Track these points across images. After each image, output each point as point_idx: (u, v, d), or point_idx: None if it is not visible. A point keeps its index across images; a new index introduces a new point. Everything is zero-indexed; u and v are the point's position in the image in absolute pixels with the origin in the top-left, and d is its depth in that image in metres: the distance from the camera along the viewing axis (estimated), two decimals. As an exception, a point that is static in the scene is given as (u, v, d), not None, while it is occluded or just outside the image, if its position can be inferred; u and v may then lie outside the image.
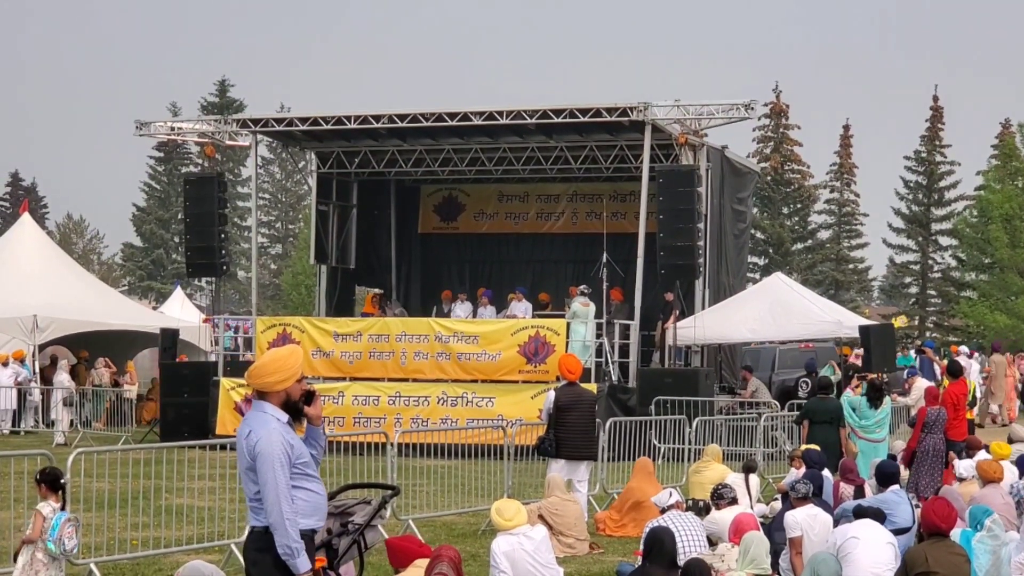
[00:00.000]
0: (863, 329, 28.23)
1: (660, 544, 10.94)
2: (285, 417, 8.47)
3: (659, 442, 24.32)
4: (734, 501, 15.27)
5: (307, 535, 8.42)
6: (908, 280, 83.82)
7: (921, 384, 28.04)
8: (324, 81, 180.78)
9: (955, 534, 11.92)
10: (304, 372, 28.96)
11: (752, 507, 16.80)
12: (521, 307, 32.20)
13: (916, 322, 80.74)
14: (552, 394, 18.02)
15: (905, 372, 33.24)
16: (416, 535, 15.97)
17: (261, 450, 8.33)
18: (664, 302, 31.01)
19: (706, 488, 17.83)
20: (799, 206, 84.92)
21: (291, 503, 8.29)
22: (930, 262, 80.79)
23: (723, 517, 14.61)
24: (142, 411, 35.45)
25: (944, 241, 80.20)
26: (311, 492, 8.49)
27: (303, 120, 32.40)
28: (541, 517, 15.94)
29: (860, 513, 12.63)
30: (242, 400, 29.10)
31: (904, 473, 20.26)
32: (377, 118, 31.73)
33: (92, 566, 13.61)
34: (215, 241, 32.46)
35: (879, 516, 12.55)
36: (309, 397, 8.61)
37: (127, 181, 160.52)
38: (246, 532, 8.67)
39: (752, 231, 61.99)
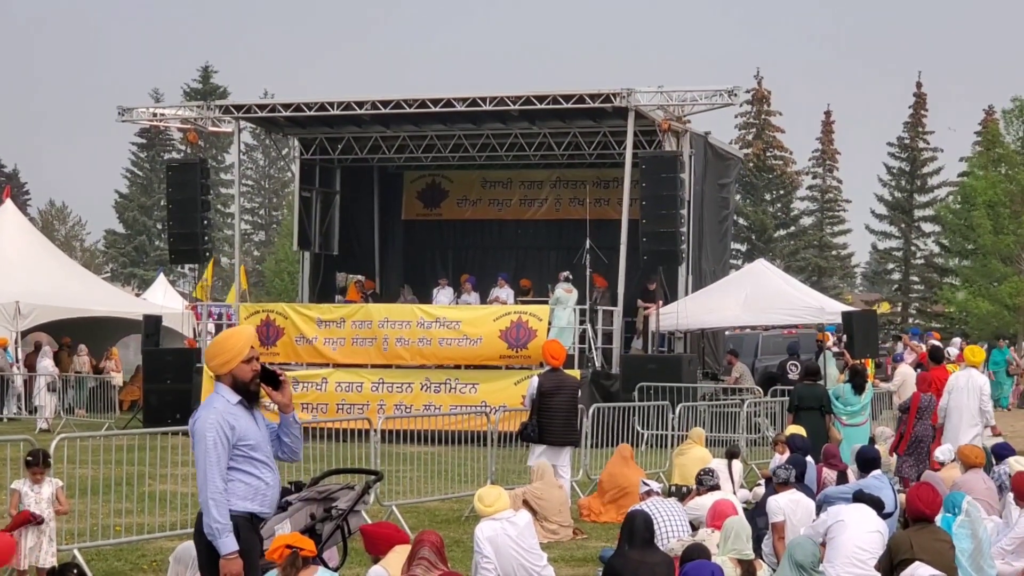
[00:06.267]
0: (846, 316, 28.28)
1: (638, 525, 10.99)
2: (236, 399, 8.42)
3: (642, 428, 24.35)
4: (715, 487, 15.28)
5: (243, 518, 8.31)
6: (891, 266, 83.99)
7: (904, 370, 28.11)
8: (307, 67, 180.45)
9: (937, 520, 11.95)
10: (287, 358, 28.75)
11: (735, 493, 16.86)
12: (503, 293, 32.25)
13: (899, 308, 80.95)
14: (536, 380, 18.04)
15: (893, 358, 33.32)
16: (400, 521, 16.01)
17: (196, 429, 8.33)
18: (645, 289, 31.03)
19: (688, 469, 17.88)
20: (782, 192, 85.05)
21: (219, 483, 8.21)
22: (913, 248, 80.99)
23: (705, 503, 14.64)
24: (122, 396, 35.34)
25: (927, 227, 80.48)
26: (252, 476, 8.39)
27: (286, 106, 32.37)
28: (525, 503, 15.97)
29: (859, 499, 12.63)
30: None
31: (892, 459, 20.38)
32: (360, 104, 31.72)
33: (75, 551, 13.60)
34: (198, 227, 32.37)
35: (877, 505, 12.56)
36: (276, 382, 8.52)
37: (109, 168, 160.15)
38: None
39: (735, 217, 62.09)
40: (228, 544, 8.17)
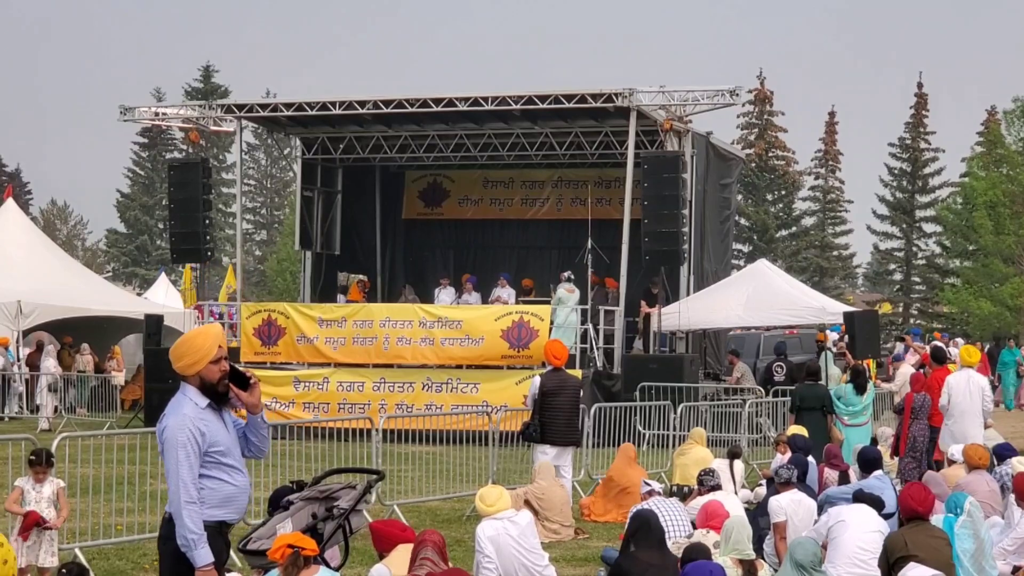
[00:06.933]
0: (848, 316, 28.26)
1: (647, 526, 10.96)
2: (204, 402, 8.18)
3: (644, 428, 24.31)
4: (715, 488, 15.25)
5: (213, 527, 8.11)
6: (892, 267, 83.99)
7: (905, 371, 28.09)
8: (309, 67, 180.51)
9: (937, 520, 11.93)
10: (289, 358, 28.68)
11: (736, 493, 16.84)
12: (505, 293, 32.24)
13: (900, 309, 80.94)
14: (538, 380, 18.04)
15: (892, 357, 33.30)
16: (401, 520, 16.00)
17: (166, 437, 8.11)
18: (648, 292, 31.00)
19: (688, 469, 17.87)
20: (783, 193, 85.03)
21: (193, 492, 8.01)
22: (914, 249, 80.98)
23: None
24: (124, 395, 35.31)
25: (928, 228, 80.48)
26: (222, 482, 8.18)
27: (288, 106, 32.40)
28: (527, 502, 15.96)
29: (859, 498, 12.63)
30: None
31: (893, 462, 20.37)
32: (362, 104, 31.76)
33: (77, 551, 13.60)
34: (199, 227, 32.40)
35: (877, 504, 12.55)
36: (245, 383, 8.31)
37: (111, 167, 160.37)
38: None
39: (737, 218, 62.09)
40: (204, 556, 7.98)
